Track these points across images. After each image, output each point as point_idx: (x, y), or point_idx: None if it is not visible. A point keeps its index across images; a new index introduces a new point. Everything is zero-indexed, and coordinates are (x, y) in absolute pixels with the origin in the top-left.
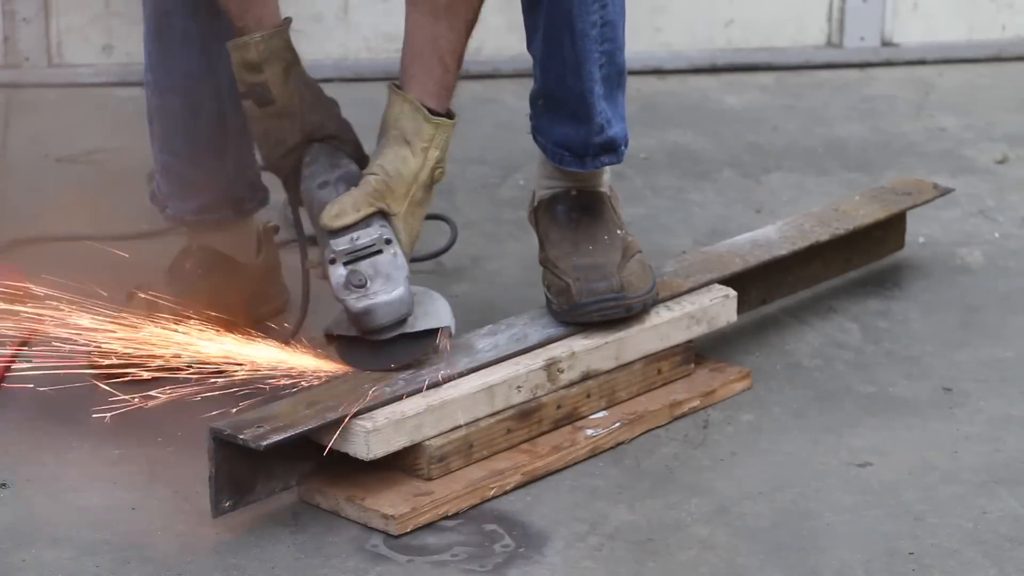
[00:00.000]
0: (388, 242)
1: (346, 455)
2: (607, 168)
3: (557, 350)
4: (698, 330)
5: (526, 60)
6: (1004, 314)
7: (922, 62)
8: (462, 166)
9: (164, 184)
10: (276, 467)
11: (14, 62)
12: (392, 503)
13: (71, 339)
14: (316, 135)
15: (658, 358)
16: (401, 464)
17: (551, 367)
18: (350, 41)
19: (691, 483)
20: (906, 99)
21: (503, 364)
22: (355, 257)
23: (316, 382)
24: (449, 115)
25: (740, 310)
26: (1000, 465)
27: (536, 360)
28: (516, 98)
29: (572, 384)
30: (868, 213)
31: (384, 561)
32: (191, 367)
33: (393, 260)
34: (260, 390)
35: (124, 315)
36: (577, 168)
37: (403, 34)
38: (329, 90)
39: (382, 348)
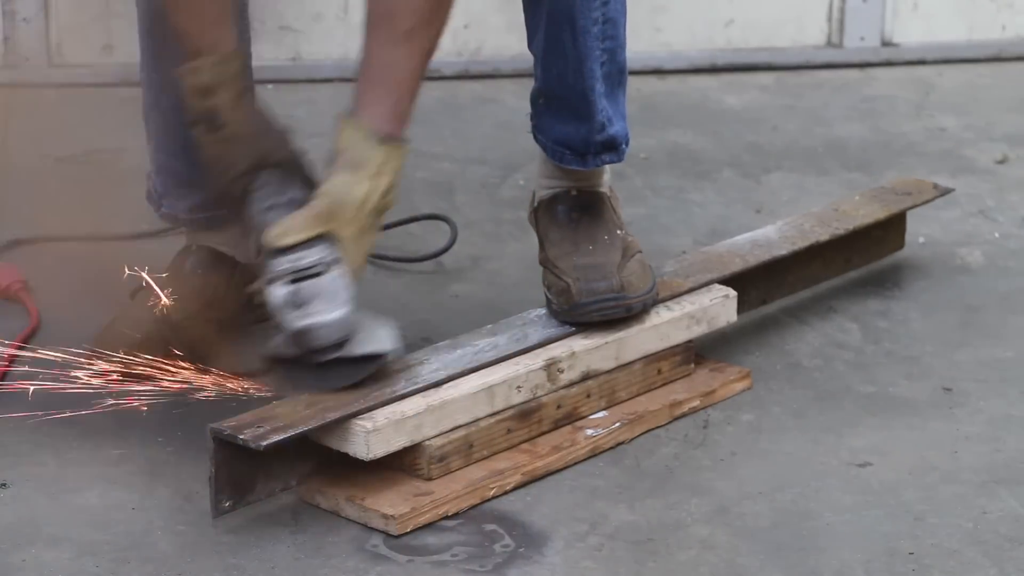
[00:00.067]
0: (332, 264)
1: (346, 455)
2: (607, 168)
3: (557, 350)
4: (698, 330)
5: (526, 60)
6: (1004, 314)
7: (922, 62)
8: (462, 166)
9: (159, 183)
10: (276, 467)
11: (14, 62)
12: (392, 503)
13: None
14: (266, 161)
15: (658, 358)
16: (401, 464)
17: (551, 367)
18: (350, 41)
19: (691, 483)
20: (906, 99)
21: (503, 364)
22: (298, 277)
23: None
24: (401, 141)
25: (740, 310)
26: (1000, 465)
27: (536, 360)
28: (516, 98)
29: (572, 384)
30: (868, 213)
31: (384, 561)
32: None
33: (336, 282)
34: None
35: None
36: (578, 166)
37: (359, 58)
38: (329, 90)
39: (321, 370)
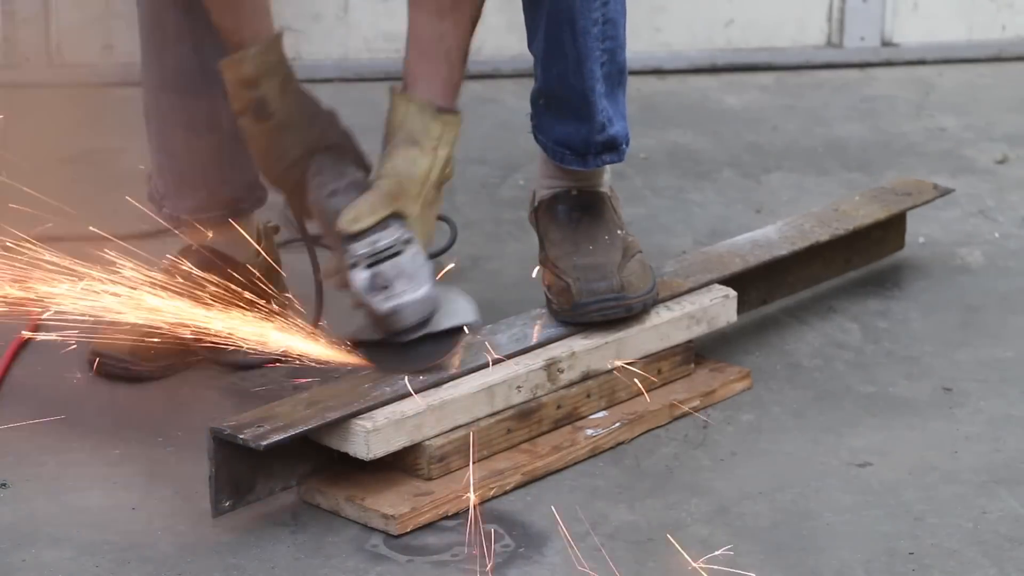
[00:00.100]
0: (408, 242)
1: (346, 455)
2: (607, 168)
3: (557, 350)
4: (698, 330)
5: (526, 60)
6: (1004, 314)
7: (922, 62)
8: (462, 166)
9: (160, 183)
10: (276, 467)
11: (14, 62)
12: (392, 503)
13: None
14: (318, 146)
15: (658, 358)
16: (401, 464)
17: (551, 367)
18: (350, 41)
19: (691, 483)
20: (906, 99)
21: (503, 364)
22: (377, 259)
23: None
24: (455, 112)
25: (740, 310)
26: (1000, 465)
27: (536, 360)
28: (516, 98)
29: (572, 384)
30: (868, 213)
31: (384, 561)
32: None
33: (415, 260)
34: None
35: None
36: (579, 167)
37: (406, 33)
38: (329, 90)
39: (408, 349)
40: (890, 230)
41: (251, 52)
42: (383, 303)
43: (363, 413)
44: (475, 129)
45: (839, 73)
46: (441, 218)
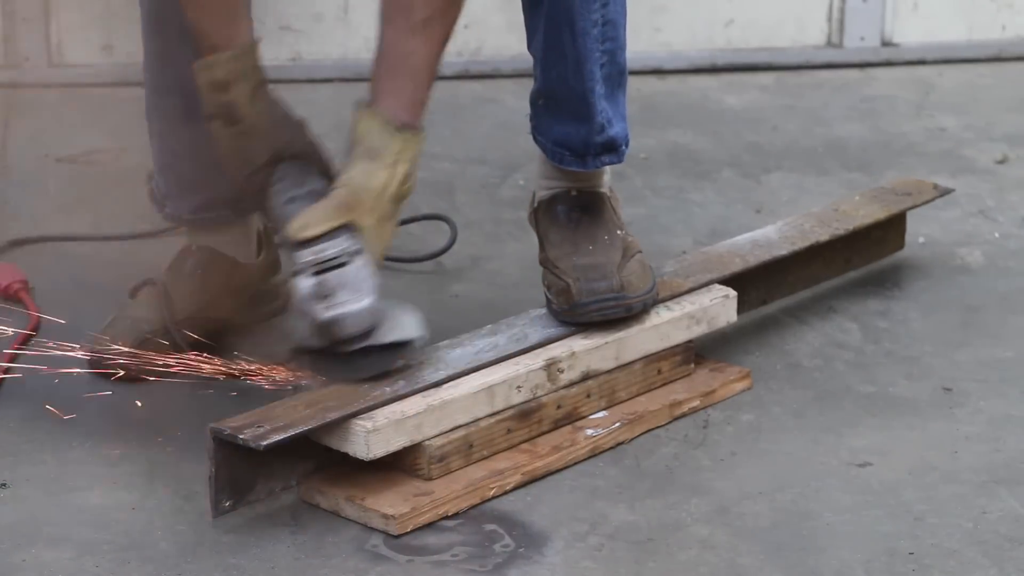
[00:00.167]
0: (355, 254)
1: (346, 455)
2: (607, 168)
3: (557, 350)
4: (698, 330)
5: (526, 60)
6: (1004, 314)
7: (922, 62)
8: (462, 166)
9: (162, 183)
10: (276, 467)
11: (14, 62)
12: (392, 503)
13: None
14: (284, 154)
15: (658, 358)
16: (401, 464)
17: (551, 367)
18: (350, 41)
19: (691, 483)
20: (906, 99)
21: (503, 364)
22: (321, 268)
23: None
24: (417, 129)
25: (740, 310)
26: (1000, 465)
27: (536, 360)
28: (516, 98)
29: (572, 384)
30: (868, 213)
31: (384, 561)
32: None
33: (360, 272)
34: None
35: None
36: (578, 167)
37: (375, 47)
38: (329, 90)
39: (349, 360)
40: (890, 230)
41: (223, 57)
42: (323, 311)
43: (363, 413)
44: (475, 129)
45: (839, 73)
46: (441, 218)
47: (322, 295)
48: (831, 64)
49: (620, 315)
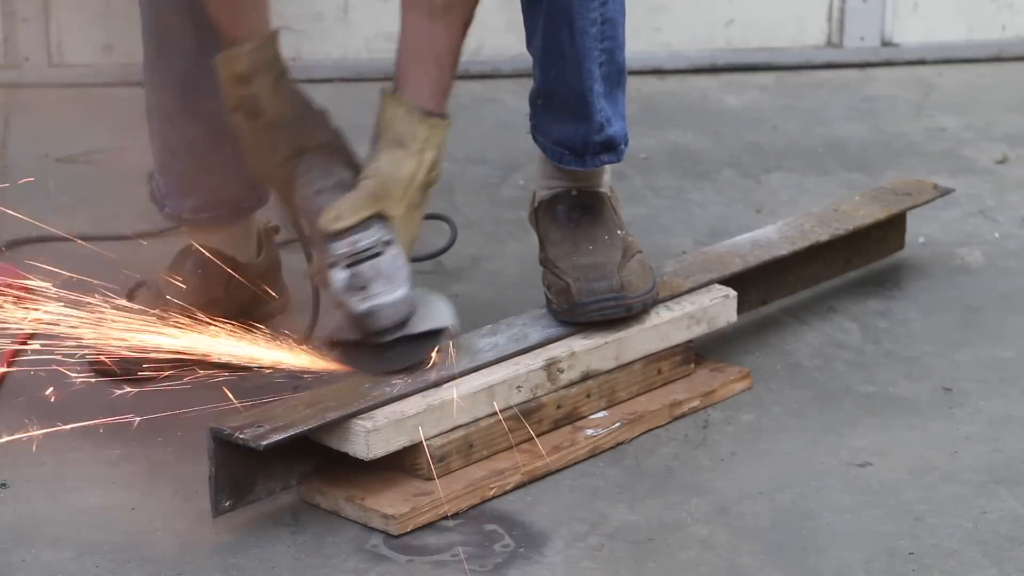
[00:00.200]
0: (388, 244)
1: (346, 455)
2: (607, 168)
3: (557, 350)
4: (698, 330)
5: (526, 60)
6: (1004, 314)
7: (922, 62)
8: (462, 166)
9: (162, 182)
10: (276, 467)
11: (14, 62)
12: (392, 503)
13: (74, 336)
14: (308, 145)
15: (658, 358)
16: (401, 464)
17: (551, 367)
18: (350, 41)
19: (691, 483)
20: (906, 99)
21: (503, 364)
22: (356, 260)
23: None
24: (443, 116)
25: (740, 310)
26: (1000, 465)
27: (536, 360)
28: (516, 98)
29: (572, 384)
30: (868, 213)
31: (384, 561)
32: (200, 365)
33: (394, 262)
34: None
35: (129, 309)
36: (577, 167)
37: (398, 35)
38: (329, 90)
39: (384, 351)
40: (890, 230)
41: (245, 49)
42: (359, 303)
43: (363, 413)
44: (475, 129)
45: (839, 73)
46: (441, 218)
47: (357, 287)
48: (831, 64)
49: (620, 315)
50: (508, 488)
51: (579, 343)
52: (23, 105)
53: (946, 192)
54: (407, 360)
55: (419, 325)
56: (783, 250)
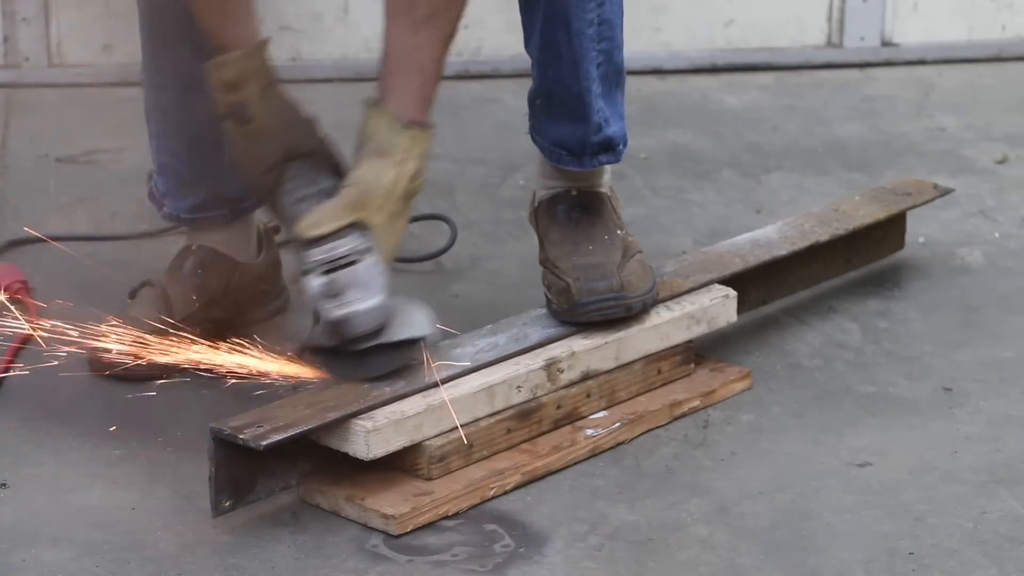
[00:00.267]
0: (365, 252)
1: (346, 455)
2: (607, 168)
3: (557, 350)
4: (698, 330)
5: (526, 60)
6: (1004, 314)
7: (922, 62)
8: (462, 166)
9: (161, 182)
10: (276, 467)
11: (14, 62)
12: (392, 503)
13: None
14: (295, 153)
15: (658, 358)
16: (401, 464)
17: (551, 367)
18: (350, 41)
19: (691, 483)
20: (906, 99)
21: (503, 364)
22: (332, 267)
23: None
24: (426, 126)
25: (740, 310)
26: (1000, 465)
27: (536, 360)
28: (516, 98)
29: (572, 384)
30: (868, 213)
31: (384, 561)
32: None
33: (370, 270)
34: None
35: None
36: (575, 167)
37: (381, 46)
38: (329, 90)
39: (361, 358)
40: (890, 230)
41: (234, 56)
42: (334, 310)
43: (363, 413)
44: (475, 129)
45: (839, 73)
46: (441, 218)
47: (332, 294)
48: (831, 64)
49: (620, 315)
50: (508, 488)
51: (579, 343)
52: (23, 105)
53: (946, 192)
54: (383, 368)
55: (396, 334)
56: (783, 250)
